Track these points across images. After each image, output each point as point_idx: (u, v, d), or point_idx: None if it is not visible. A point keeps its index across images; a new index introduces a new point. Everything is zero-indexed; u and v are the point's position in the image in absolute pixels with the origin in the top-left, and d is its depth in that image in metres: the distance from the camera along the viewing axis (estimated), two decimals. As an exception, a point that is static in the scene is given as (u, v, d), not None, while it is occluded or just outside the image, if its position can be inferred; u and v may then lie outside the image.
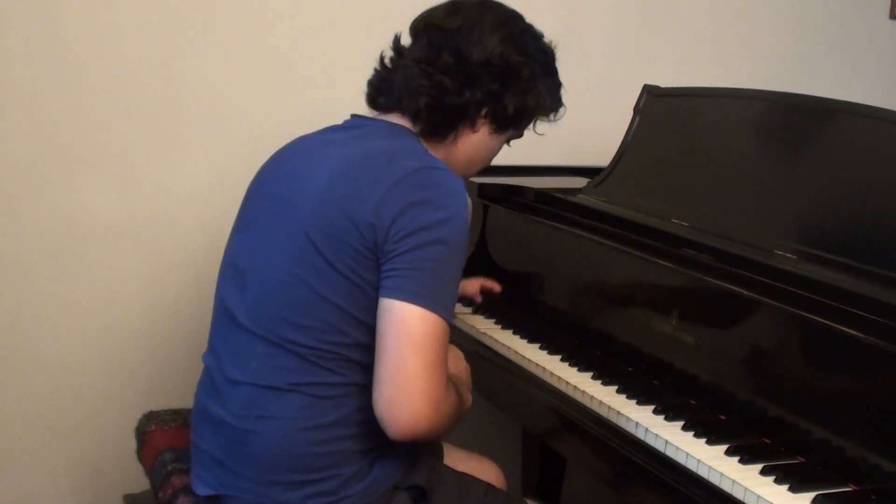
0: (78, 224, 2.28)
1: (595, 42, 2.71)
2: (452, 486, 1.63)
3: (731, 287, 1.62)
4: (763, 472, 1.42)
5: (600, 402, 1.67)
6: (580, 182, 2.23)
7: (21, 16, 2.17)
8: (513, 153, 2.65)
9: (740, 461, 1.45)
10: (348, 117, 1.63)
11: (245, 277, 1.53)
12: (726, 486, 1.40)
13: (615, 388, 1.72)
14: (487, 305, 2.15)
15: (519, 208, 2.21)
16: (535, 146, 2.68)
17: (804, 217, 1.71)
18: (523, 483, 2.42)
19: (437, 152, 1.58)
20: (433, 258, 1.42)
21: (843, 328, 1.43)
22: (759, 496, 1.36)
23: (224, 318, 1.55)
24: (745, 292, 1.60)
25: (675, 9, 2.79)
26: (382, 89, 1.61)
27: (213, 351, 1.58)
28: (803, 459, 1.47)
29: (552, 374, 1.79)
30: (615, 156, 2.17)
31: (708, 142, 2.01)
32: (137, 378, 2.36)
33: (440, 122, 1.57)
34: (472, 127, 1.60)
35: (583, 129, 2.70)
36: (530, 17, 1.57)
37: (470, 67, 1.56)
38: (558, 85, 1.71)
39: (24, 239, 2.25)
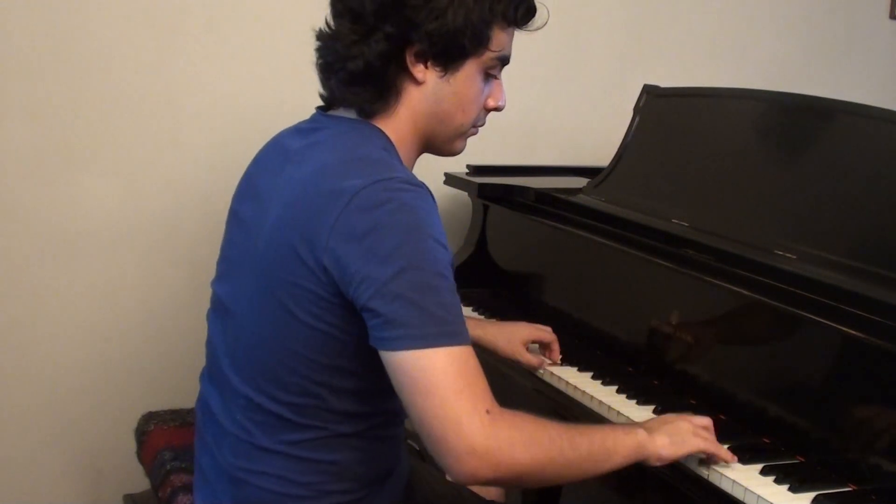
0: (78, 224, 2.28)
1: (595, 42, 2.71)
2: None
3: (731, 287, 1.62)
4: (763, 472, 1.42)
5: (600, 402, 1.67)
6: (580, 182, 2.23)
7: (21, 16, 2.17)
8: (513, 153, 2.67)
9: (740, 461, 1.45)
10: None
11: (226, 317, 1.46)
12: (726, 486, 1.40)
13: (615, 388, 1.72)
14: (488, 306, 2.15)
15: (519, 208, 2.21)
16: (535, 146, 2.71)
17: (804, 217, 1.71)
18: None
19: (397, 125, 1.42)
20: (407, 290, 1.25)
21: (843, 328, 1.43)
22: (759, 496, 1.36)
23: (212, 355, 1.49)
24: (745, 292, 1.60)
25: (674, 9, 2.79)
26: (322, 82, 1.46)
27: (208, 376, 1.52)
28: (803, 459, 1.47)
29: (552, 373, 1.79)
30: (615, 156, 2.17)
31: (708, 142, 2.01)
32: (137, 378, 2.36)
33: (363, 93, 1.39)
34: (414, 81, 1.39)
35: (583, 129, 2.71)
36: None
37: (368, 21, 1.36)
38: None
39: (24, 239, 2.25)
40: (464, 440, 1.23)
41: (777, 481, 1.39)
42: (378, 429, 1.43)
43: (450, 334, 1.25)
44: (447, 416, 1.23)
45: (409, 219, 1.27)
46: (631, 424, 1.49)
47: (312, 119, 1.48)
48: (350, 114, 1.43)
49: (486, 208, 2.31)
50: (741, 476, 1.41)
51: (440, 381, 1.24)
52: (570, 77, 2.70)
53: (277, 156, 1.46)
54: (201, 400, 1.54)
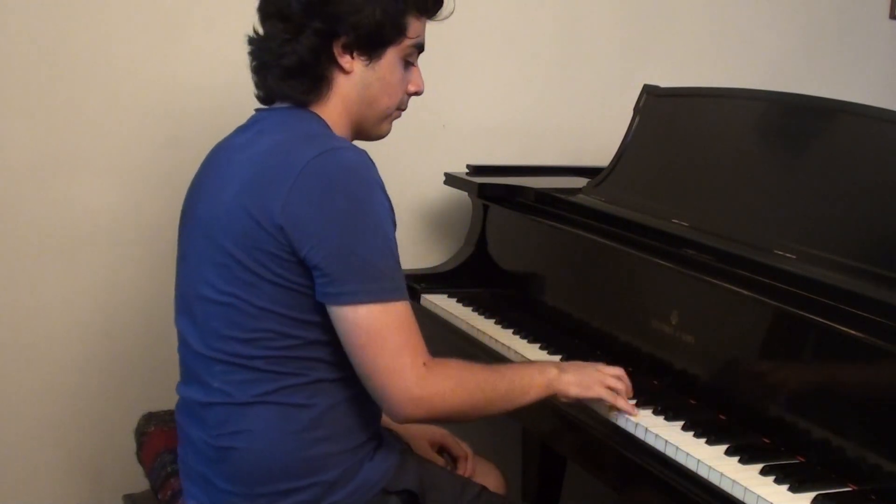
0: (77, 224, 2.28)
1: (595, 42, 2.71)
2: (446, 488, 1.62)
3: (731, 287, 1.62)
4: (763, 472, 1.42)
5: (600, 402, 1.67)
6: (580, 182, 2.23)
7: (21, 16, 2.17)
8: (513, 153, 2.67)
9: (740, 461, 1.45)
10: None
11: (191, 305, 1.54)
12: (726, 486, 1.40)
13: (615, 388, 1.72)
14: (488, 305, 2.15)
15: (519, 208, 2.21)
16: (535, 146, 2.71)
17: (804, 217, 1.71)
18: (523, 484, 2.42)
19: (330, 112, 1.54)
20: (356, 248, 1.41)
21: (843, 328, 1.43)
22: (759, 496, 1.36)
23: (184, 348, 1.57)
24: (745, 292, 1.60)
25: (675, 9, 2.79)
26: (257, 83, 1.59)
27: (182, 380, 1.60)
28: (803, 459, 1.47)
29: (552, 374, 1.79)
30: (615, 156, 2.17)
31: (708, 142, 2.01)
32: (137, 378, 2.36)
33: (298, 86, 1.52)
34: (342, 70, 1.53)
35: (583, 129, 2.71)
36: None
37: (296, 20, 1.50)
38: None
39: (24, 238, 2.25)
40: (404, 390, 1.42)
41: (777, 481, 1.39)
42: (353, 379, 1.49)
43: (391, 290, 1.42)
44: (390, 368, 1.42)
45: (356, 184, 1.43)
46: (545, 362, 1.68)
47: (251, 118, 1.61)
48: (285, 105, 1.56)
49: (486, 208, 2.31)
50: (741, 476, 1.41)
51: (383, 336, 1.41)
52: (570, 77, 2.70)
53: (224, 154, 1.58)
54: (180, 402, 1.61)
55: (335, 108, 1.55)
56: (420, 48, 1.60)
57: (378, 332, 1.41)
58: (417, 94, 1.63)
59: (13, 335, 2.28)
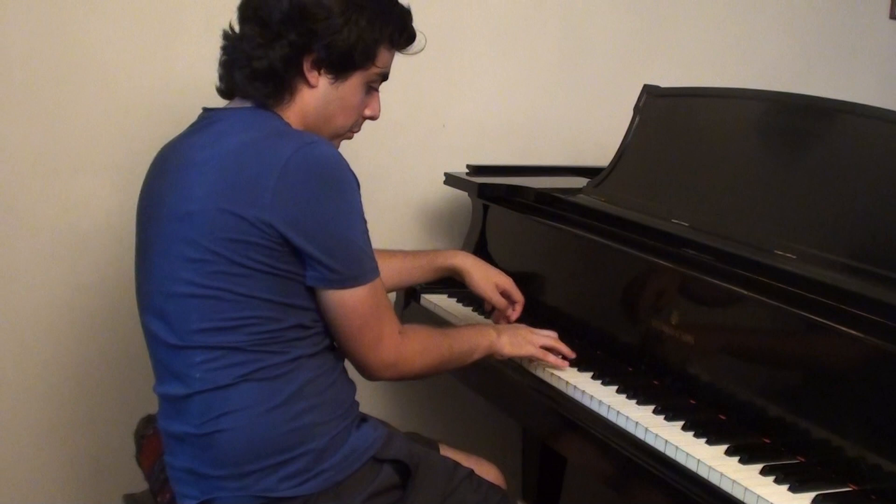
0: (78, 224, 2.28)
1: (595, 42, 2.71)
2: (437, 467, 1.66)
3: (731, 287, 1.62)
4: (763, 472, 1.42)
5: (600, 402, 1.67)
6: (580, 182, 2.23)
7: (21, 16, 2.17)
8: (513, 153, 2.67)
9: (740, 461, 1.45)
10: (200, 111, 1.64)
11: (159, 303, 1.55)
12: (726, 486, 1.40)
13: (615, 388, 1.72)
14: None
15: (519, 208, 2.21)
16: (535, 146, 2.71)
17: (804, 217, 1.71)
18: (523, 484, 2.42)
19: (288, 117, 1.58)
20: (348, 235, 1.50)
21: (843, 328, 1.43)
22: (759, 496, 1.36)
23: (157, 346, 1.58)
24: (745, 292, 1.60)
25: (674, 9, 2.79)
26: (222, 77, 1.63)
27: (159, 380, 1.61)
28: (803, 459, 1.47)
29: (552, 373, 1.80)
30: (615, 156, 2.17)
31: (708, 142, 2.01)
32: (137, 379, 2.36)
33: (263, 88, 1.56)
34: (307, 83, 1.57)
35: (583, 129, 2.71)
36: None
37: (273, 28, 1.54)
38: (388, 14, 1.61)
39: (24, 239, 2.25)
40: (382, 358, 1.57)
41: (777, 481, 1.40)
42: (331, 350, 1.58)
43: (372, 270, 1.54)
44: (374, 340, 1.56)
45: (338, 174, 1.50)
46: (484, 326, 1.87)
47: (203, 118, 1.62)
48: (245, 104, 1.59)
49: (486, 208, 2.31)
50: (741, 476, 1.41)
51: (371, 313, 1.54)
52: (570, 77, 2.70)
53: (181, 154, 1.58)
54: (160, 405, 1.63)
55: (293, 115, 1.59)
56: (384, 77, 1.66)
57: (368, 310, 1.53)
58: (372, 118, 1.69)
59: (13, 335, 2.28)
